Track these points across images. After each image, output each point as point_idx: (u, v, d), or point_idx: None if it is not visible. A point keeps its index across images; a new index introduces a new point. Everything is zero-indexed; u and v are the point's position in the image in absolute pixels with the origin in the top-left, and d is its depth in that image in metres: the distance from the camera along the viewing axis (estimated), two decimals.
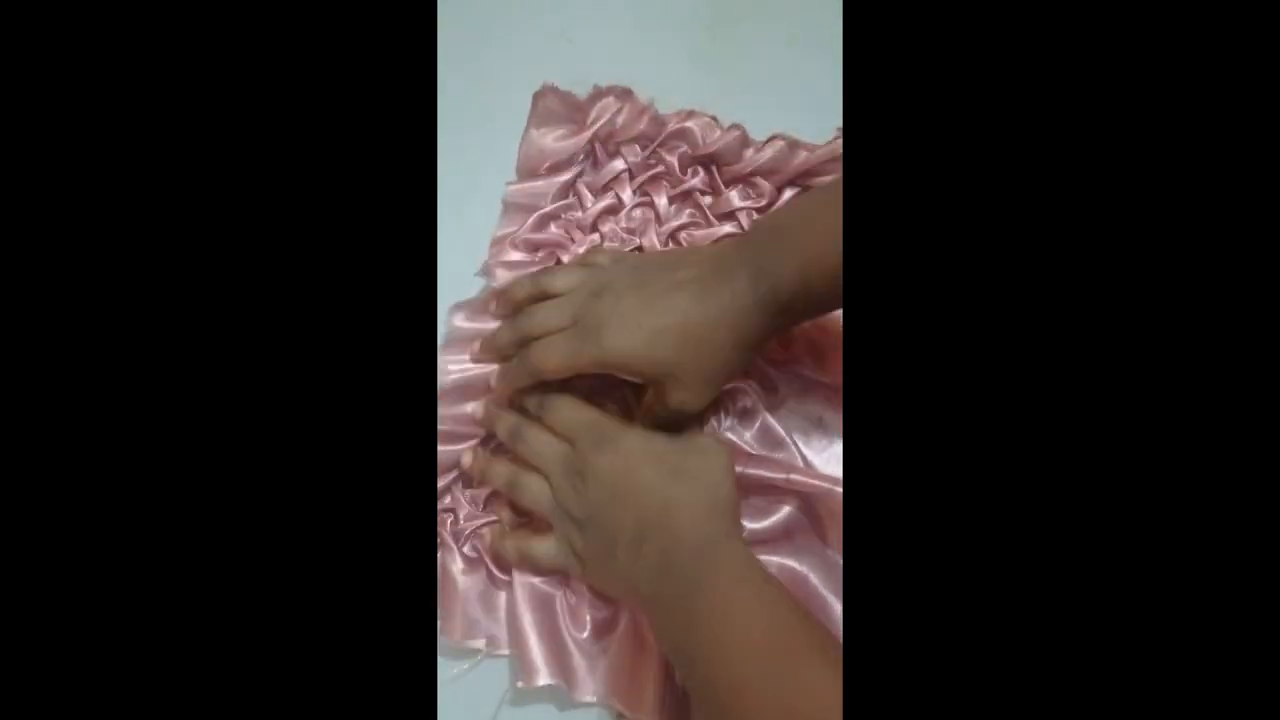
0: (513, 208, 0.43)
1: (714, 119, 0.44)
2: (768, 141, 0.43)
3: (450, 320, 0.42)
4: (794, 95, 0.45)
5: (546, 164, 0.43)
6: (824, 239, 0.32)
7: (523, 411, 0.39)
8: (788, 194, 0.43)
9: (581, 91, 0.44)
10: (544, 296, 0.39)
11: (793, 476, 0.39)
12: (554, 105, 0.43)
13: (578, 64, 0.44)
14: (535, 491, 0.37)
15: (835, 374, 0.42)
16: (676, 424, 0.38)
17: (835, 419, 0.42)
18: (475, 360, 0.41)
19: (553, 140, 0.43)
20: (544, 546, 0.37)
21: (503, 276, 0.41)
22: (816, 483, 0.39)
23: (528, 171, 0.43)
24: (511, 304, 0.40)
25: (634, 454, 0.35)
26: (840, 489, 0.39)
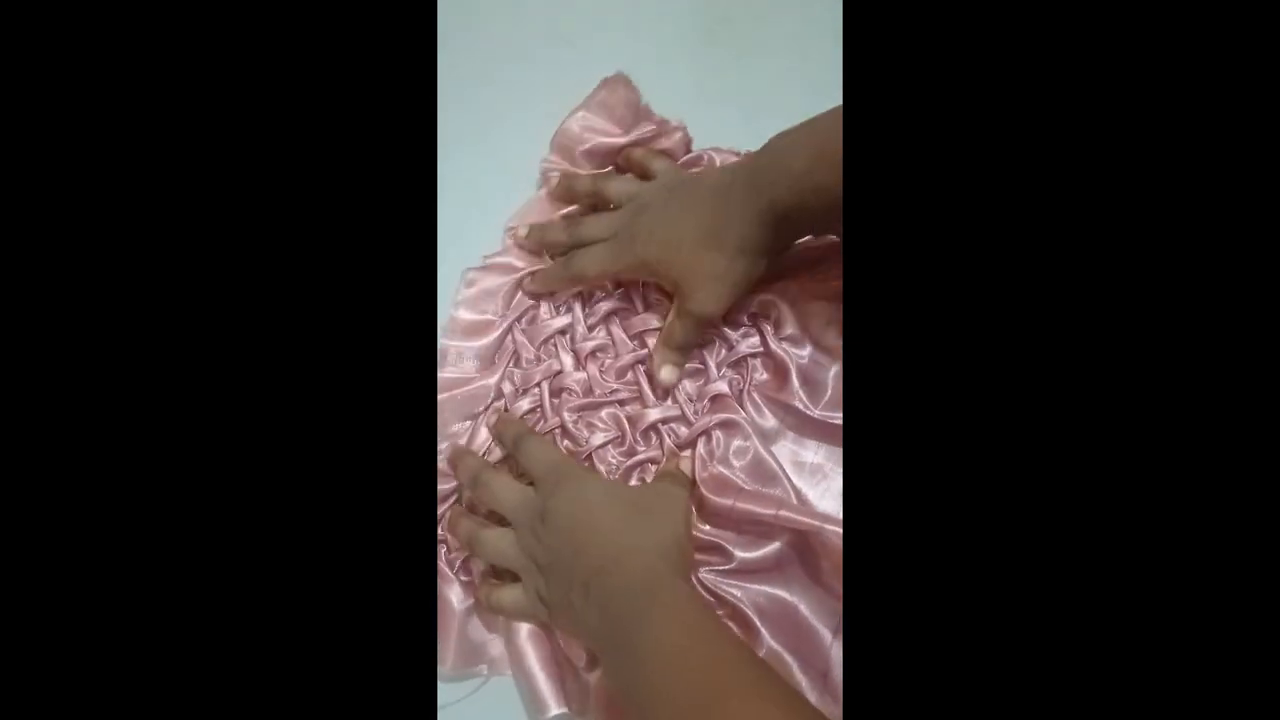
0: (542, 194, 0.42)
1: (736, 153, 0.44)
2: None
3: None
4: (793, 98, 0.45)
5: (580, 149, 0.42)
6: (817, 159, 0.35)
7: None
8: None
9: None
10: (599, 198, 0.43)
11: (782, 513, 0.39)
12: (613, 99, 0.42)
13: (574, 68, 0.43)
14: (493, 544, 0.38)
15: (831, 409, 0.43)
16: (696, 344, 0.42)
17: (831, 455, 0.43)
18: (520, 244, 0.43)
19: (592, 134, 0.42)
20: (511, 594, 0.37)
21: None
22: (807, 520, 0.39)
23: (560, 148, 0.43)
24: (569, 194, 0.43)
25: (593, 499, 0.36)
26: (831, 527, 0.39)
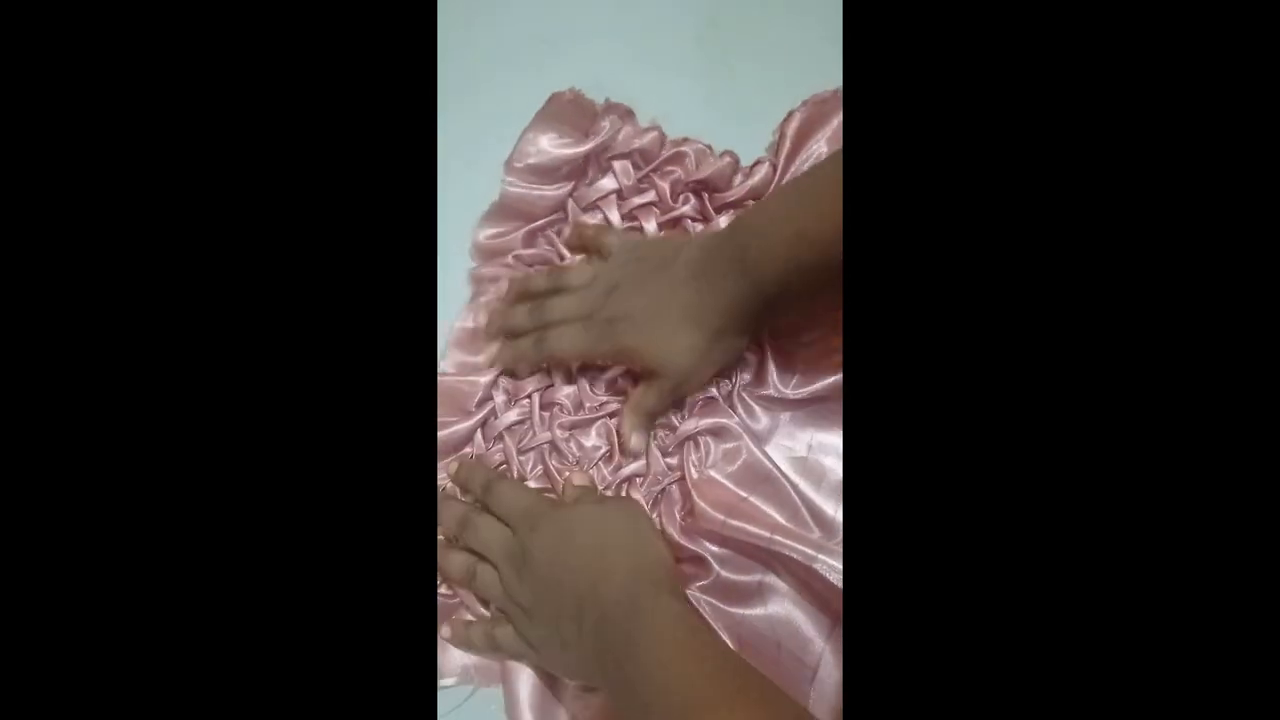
0: (504, 210, 0.41)
1: (709, 147, 0.43)
2: (755, 165, 0.42)
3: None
4: (783, 102, 0.43)
5: (541, 161, 0.41)
6: (797, 240, 0.33)
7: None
8: None
9: None
10: (560, 289, 0.41)
11: (776, 537, 0.37)
12: (564, 109, 0.42)
13: (567, 74, 0.44)
14: (490, 583, 0.37)
15: (802, 385, 0.40)
16: (666, 412, 0.40)
17: (819, 446, 0.40)
18: (486, 335, 0.42)
19: (549, 144, 0.41)
20: (505, 633, 0.37)
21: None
22: (801, 548, 0.36)
23: (521, 169, 0.42)
24: (528, 295, 0.41)
25: (562, 534, 0.36)
26: (824, 557, 0.36)
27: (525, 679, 0.37)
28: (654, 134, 0.42)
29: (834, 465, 0.39)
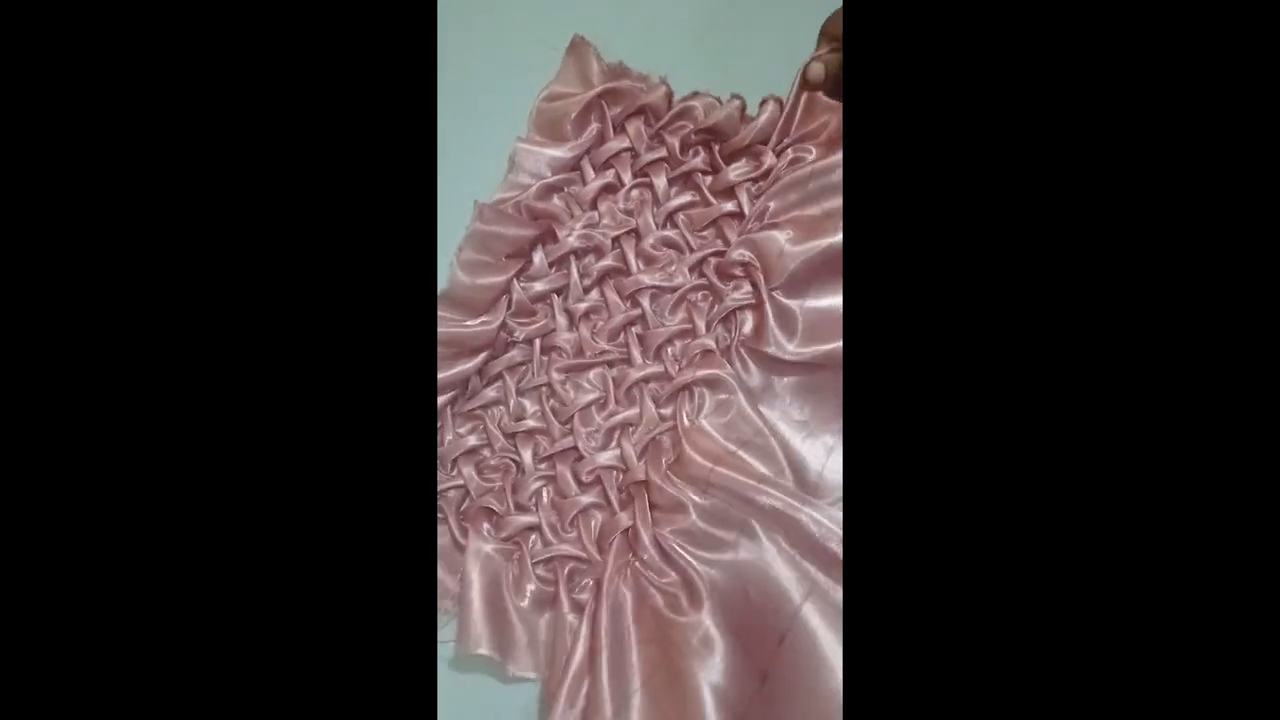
0: (517, 170, 0.43)
1: (717, 99, 0.42)
2: (761, 104, 0.40)
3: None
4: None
5: (558, 116, 0.42)
6: None
7: None
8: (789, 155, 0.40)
9: None
10: None
11: (763, 486, 0.36)
12: (582, 64, 0.43)
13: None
14: None
15: (804, 345, 0.38)
16: None
17: (816, 414, 0.38)
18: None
19: (569, 99, 0.43)
20: None
21: (491, 223, 0.41)
22: (786, 499, 0.36)
23: (542, 125, 0.43)
24: None
25: None
26: (808, 510, 0.35)
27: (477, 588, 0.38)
28: (662, 89, 0.42)
29: (827, 439, 0.38)
